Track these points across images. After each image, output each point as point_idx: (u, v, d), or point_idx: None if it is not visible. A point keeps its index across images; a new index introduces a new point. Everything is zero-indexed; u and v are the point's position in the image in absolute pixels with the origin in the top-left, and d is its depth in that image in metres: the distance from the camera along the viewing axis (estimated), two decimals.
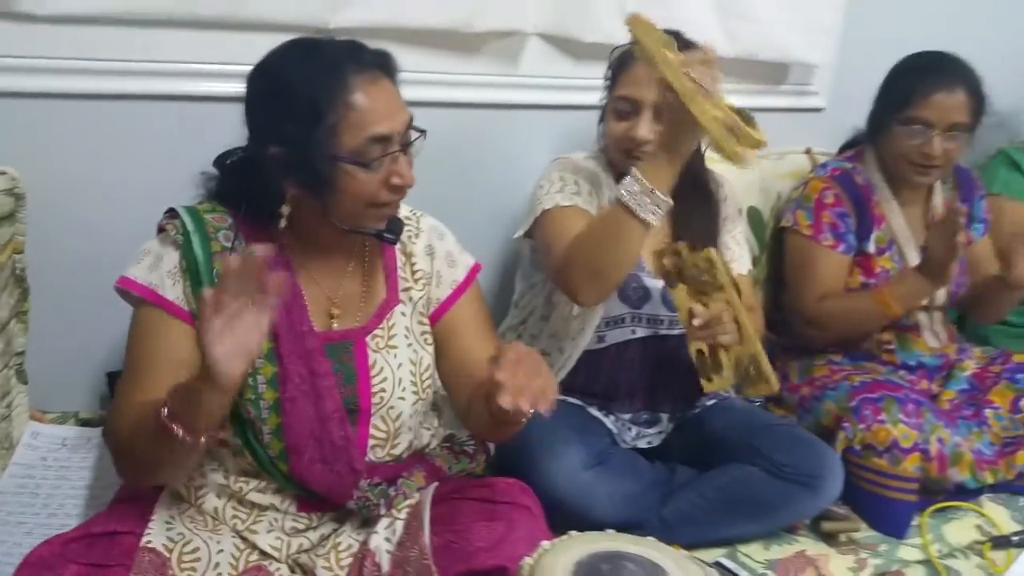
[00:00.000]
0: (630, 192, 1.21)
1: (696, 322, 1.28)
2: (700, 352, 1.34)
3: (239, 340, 0.89)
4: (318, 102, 1.01)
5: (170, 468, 1.05)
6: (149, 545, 1.05)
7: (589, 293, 1.30)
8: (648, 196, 1.20)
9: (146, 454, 1.01)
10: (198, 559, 1.07)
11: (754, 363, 1.30)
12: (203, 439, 0.95)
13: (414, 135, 1.09)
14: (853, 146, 1.82)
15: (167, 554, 1.06)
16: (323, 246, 1.14)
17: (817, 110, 2.05)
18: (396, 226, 1.12)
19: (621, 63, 1.43)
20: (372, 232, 1.10)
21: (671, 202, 1.22)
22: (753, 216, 1.87)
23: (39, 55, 1.32)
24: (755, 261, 1.88)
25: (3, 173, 1.26)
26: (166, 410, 0.93)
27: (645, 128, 1.38)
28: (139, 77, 1.39)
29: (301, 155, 1.02)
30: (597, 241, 1.27)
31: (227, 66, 1.40)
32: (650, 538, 1.00)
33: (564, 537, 0.99)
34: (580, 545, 0.97)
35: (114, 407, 1.10)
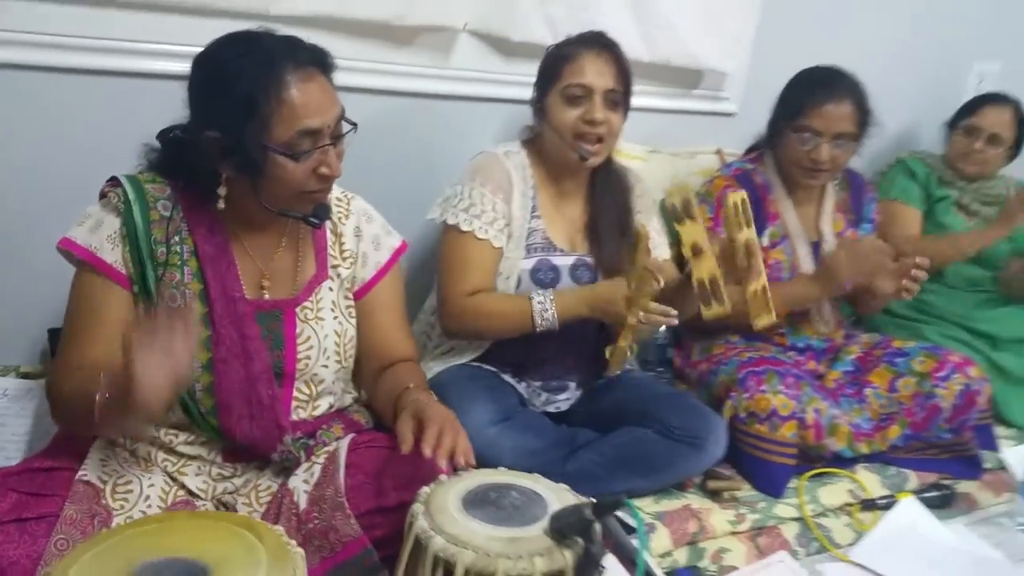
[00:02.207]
0: (539, 307, 1.51)
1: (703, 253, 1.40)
2: (701, 281, 1.42)
3: (165, 374, 0.95)
4: (254, 95, 1.10)
5: (104, 432, 1.17)
6: (84, 478, 1.16)
7: (461, 337, 1.61)
8: (550, 319, 1.51)
9: (82, 419, 1.09)
10: (130, 491, 1.18)
11: (763, 294, 1.46)
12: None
13: (345, 128, 1.19)
14: (756, 149, 2.00)
15: (101, 485, 1.17)
16: (257, 223, 1.25)
17: (729, 115, 2.23)
18: (322, 212, 1.22)
19: (566, 55, 1.57)
20: (299, 216, 1.20)
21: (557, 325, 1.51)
22: (664, 209, 2.03)
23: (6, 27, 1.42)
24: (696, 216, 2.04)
25: None
26: (97, 412, 1.01)
27: (599, 111, 1.53)
28: (90, 53, 1.50)
29: (235, 142, 1.12)
30: (499, 324, 1.54)
31: (171, 46, 1.51)
32: (535, 474, 1.14)
33: (459, 472, 1.13)
34: (472, 478, 1.11)
35: (56, 367, 1.21)
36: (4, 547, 1.04)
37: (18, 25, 1.44)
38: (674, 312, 1.42)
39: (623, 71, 1.57)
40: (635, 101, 2.00)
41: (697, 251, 1.40)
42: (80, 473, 1.17)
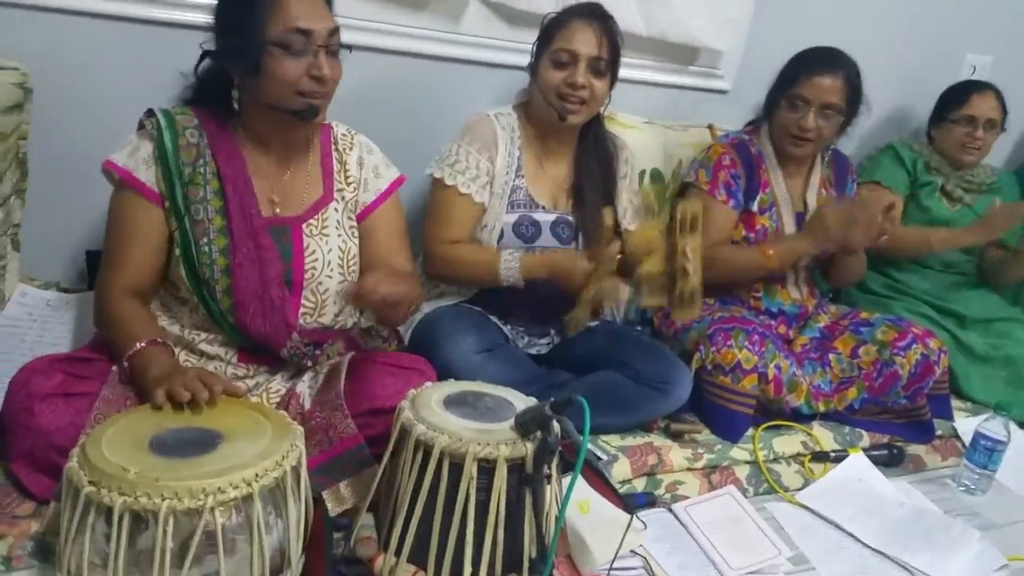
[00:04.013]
0: (505, 263, 1.70)
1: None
2: (643, 275, 1.66)
3: None
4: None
5: None
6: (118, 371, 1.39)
7: (440, 280, 1.82)
8: (514, 275, 1.70)
9: (112, 345, 1.39)
10: None
11: (691, 295, 1.67)
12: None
13: (340, 48, 1.38)
14: (753, 123, 2.20)
15: (124, 381, 1.39)
16: (269, 145, 1.46)
17: (722, 92, 2.42)
18: (310, 111, 1.39)
19: (559, 22, 1.76)
20: (291, 110, 1.38)
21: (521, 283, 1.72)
22: (655, 176, 2.24)
23: None
24: (655, 214, 2.24)
25: (15, 69, 1.57)
26: (126, 363, 1.32)
27: (582, 75, 1.72)
28: (134, 3, 1.70)
29: (239, 42, 1.33)
30: (469, 272, 1.76)
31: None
32: (508, 388, 1.35)
33: (443, 382, 1.35)
34: (453, 386, 1.33)
35: (100, 290, 1.43)
36: (53, 415, 1.28)
37: None
38: (625, 297, 1.63)
39: (611, 42, 1.74)
40: (633, 74, 2.22)
41: (648, 248, 1.63)
42: (114, 366, 1.39)
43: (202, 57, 1.42)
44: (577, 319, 1.72)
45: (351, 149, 1.57)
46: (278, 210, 1.47)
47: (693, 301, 1.67)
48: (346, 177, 1.55)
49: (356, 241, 1.56)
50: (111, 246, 1.43)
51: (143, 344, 1.33)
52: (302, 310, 1.49)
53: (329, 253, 1.50)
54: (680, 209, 1.66)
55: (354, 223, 1.56)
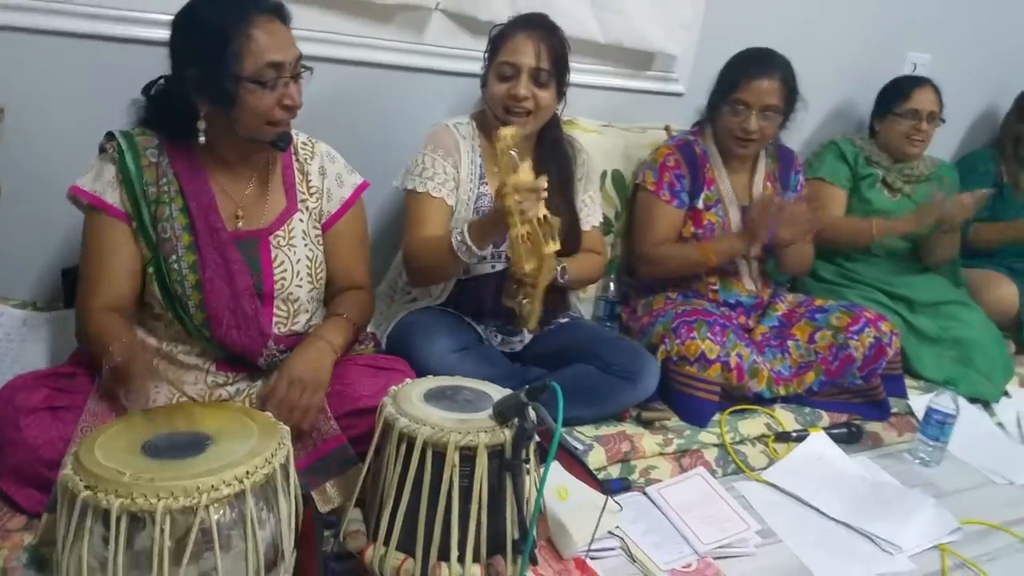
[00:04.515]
0: (457, 243, 1.64)
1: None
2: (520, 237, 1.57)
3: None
4: (226, 32, 1.35)
5: None
6: None
7: (419, 284, 1.86)
8: (467, 247, 1.63)
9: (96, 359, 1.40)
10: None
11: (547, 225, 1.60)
12: None
13: (303, 72, 1.43)
14: (699, 124, 2.29)
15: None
16: (230, 161, 1.50)
17: (677, 95, 2.52)
18: (284, 139, 1.46)
19: (503, 35, 1.83)
20: (266, 141, 1.44)
21: (481, 253, 1.65)
22: (616, 177, 2.33)
23: None
24: (617, 215, 2.34)
25: None
26: (106, 367, 1.29)
27: (523, 87, 1.78)
28: (107, 22, 1.74)
29: (212, 75, 1.36)
30: (430, 261, 1.75)
31: (161, 15, 1.75)
32: (486, 382, 1.41)
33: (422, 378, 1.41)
34: (432, 381, 1.39)
35: (78, 310, 1.46)
36: (39, 429, 1.31)
37: None
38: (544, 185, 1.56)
39: (553, 52, 1.79)
40: (592, 79, 2.31)
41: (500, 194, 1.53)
42: (98, 379, 1.43)
43: (156, 80, 1.45)
44: (533, 310, 1.66)
45: (312, 158, 1.60)
46: (241, 224, 1.50)
47: (531, 315, 1.67)
48: (308, 187, 1.59)
49: (322, 249, 1.60)
50: (87, 267, 1.46)
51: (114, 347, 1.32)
52: (275, 319, 1.53)
53: (297, 263, 1.54)
54: (499, 146, 1.57)
55: (319, 231, 1.60)
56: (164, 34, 1.74)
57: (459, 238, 1.66)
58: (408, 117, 2.10)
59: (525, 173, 1.54)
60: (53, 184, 1.71)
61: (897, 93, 2.59)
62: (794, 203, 2.08)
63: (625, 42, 2.29)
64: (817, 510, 1.77)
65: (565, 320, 2.00)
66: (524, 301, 1.67)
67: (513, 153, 1.54)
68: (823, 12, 2.68)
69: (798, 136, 2.30)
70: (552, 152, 1.92)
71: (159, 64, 1.74)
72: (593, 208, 2.04)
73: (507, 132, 1.55)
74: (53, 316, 1.72)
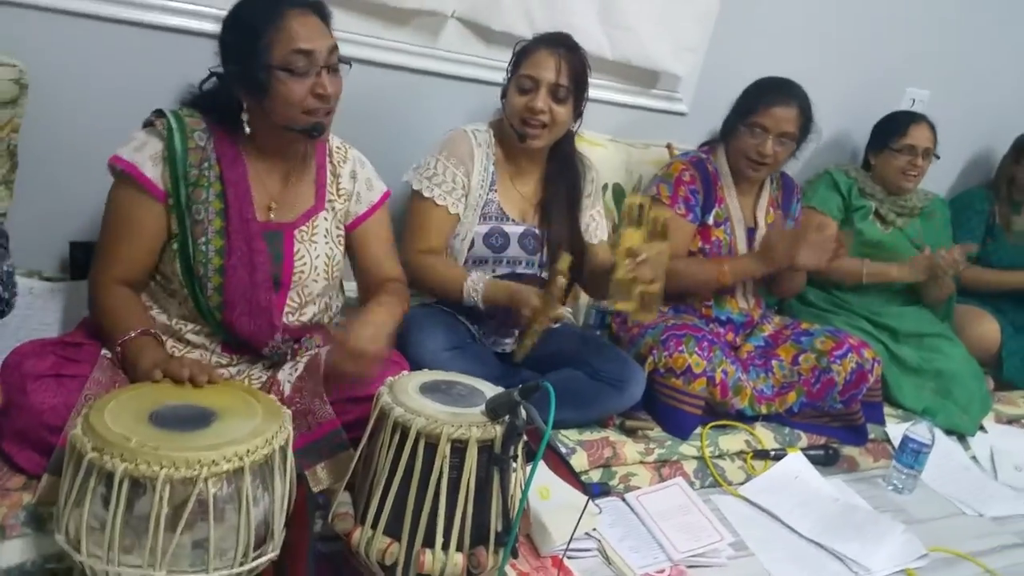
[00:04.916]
0: (470, 285, 1.82)
1: (640, 258, 1.70)
2: (621, 281, 1.72)
3: None
4: (257, 25, 1.43)
5: None
6: (107, 355, 1.47)
7: (412, 288, 1.88)
8: (476, 299, 1.82)
9: (105, 333, 1.47)
10: None
11: (651, 299, 1.77)
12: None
13: (341, 64, 1.50)
14: (708, 144, 2.37)
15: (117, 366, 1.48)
16: (269, 153, 1.56)
17: (680, 114, 2.59)
18: (318, 128, 1.51)
19: (526, 50, 1.91)
20: (300, 129, 1.49)
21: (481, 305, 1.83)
22: (617, 191, 2.40)
23: None
24: (615, 228, 2.40)
25: (13, 65, 1.64)
26: (119, 348, 1.40)
27: (541, 101, 1.85)
28: (131, 7, 1.80)
29: (247, 67, 1.44)
30: (433, 286, 1.88)
31: (201, 7, 1.82)
32: (478, 378, 1.47)
33: (419, 371, 1.47)
34: (428, 375, 1.45)
35: (93, 279, 1.51)
36: (46, 395, 1.35)
37: None
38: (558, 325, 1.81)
39: (573, 69, 1.86)
40: (599, 95, 2.38)
41: (633, 255, 1.70)
42: (104, 351, 1.48)
43: (208, 77, 1.51)
44: (525, 348, 1.83)
45: (345, 162, 1.68)
46: (273, 216, 1.57)
47: (652, 305, 1.80)
48: (338, 189, 1.66)
49: (341, 249, 1.67)
50: (107, 238, 1.51)
51: (135, 333, 1.42)
52: (286, 308, 1.59)
53: (316, 259, 1.61)
54: (654, 214, 1.78)
55: (342, 232, 1.67)
56: (182, 21, 1.83)
57: (473, 296, 1.82)
58: (418, 120, 2.16)
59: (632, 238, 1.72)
60: (68, 158, 1.78)
61: (893, 128, 2.65)
62: (813, 231, 2.15)
63: (633, 60, 2.36)
64: (790, 527, 1.84)
65: (557, 326, 2.06)
66: (526, 339, 1.82)
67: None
68: (826, 43, 2.75)
69: (794, 164, 2.37)
70: (563, 167, 1.99)
71: (176, 49, 1.82)
72: (601, 222, 2.12)
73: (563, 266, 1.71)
74: (60, 287, 1.77)
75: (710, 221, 2.25)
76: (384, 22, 2.06)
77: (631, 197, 1.78)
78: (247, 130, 1.50)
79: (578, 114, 1.94)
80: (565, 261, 1.71)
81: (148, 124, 1.52)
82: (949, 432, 2.42)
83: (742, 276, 2.22)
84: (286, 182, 1.60)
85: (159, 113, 1.51)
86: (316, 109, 1.49)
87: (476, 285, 1.83)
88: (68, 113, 1.78)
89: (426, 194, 1.88)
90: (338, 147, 1.68)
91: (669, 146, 2.49)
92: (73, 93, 1.78)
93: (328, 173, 1.65)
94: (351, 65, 1.53)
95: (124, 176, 1.49)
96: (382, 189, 1.73)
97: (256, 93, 1.46)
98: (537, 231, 1.98)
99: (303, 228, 1.60)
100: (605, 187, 2.35)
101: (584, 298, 2.34)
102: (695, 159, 2.28)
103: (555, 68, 1.84)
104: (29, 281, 1.76)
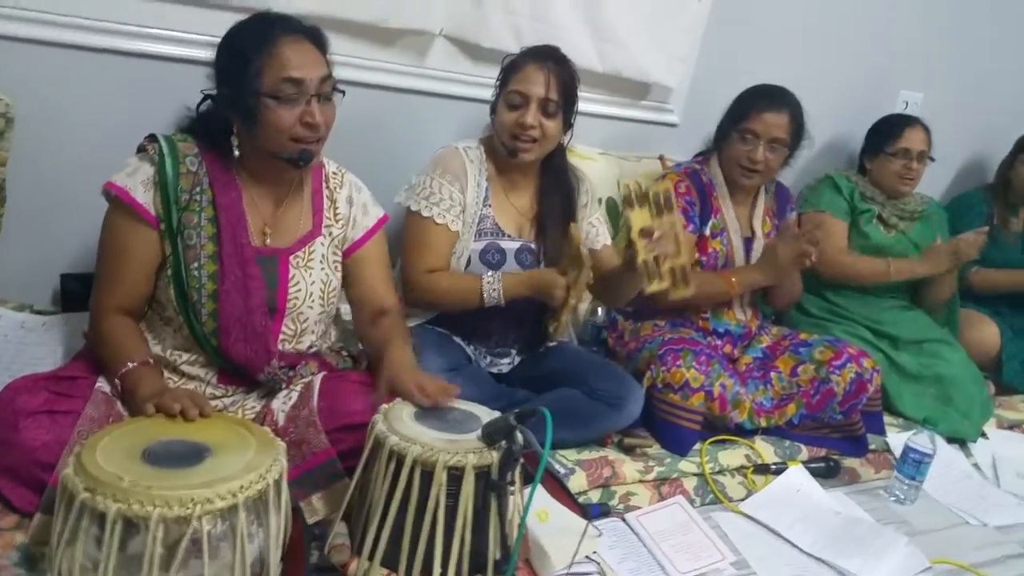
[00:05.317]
0: (488, 286, 1.82)
1: (655, 235, 1.73)
2: (645, 262, 1.74)
3: None
4: (247, 51, 1.44)
5: None
6: (101, 389, 1.47)
7: (421, 307, 1.93)
8: (497, 297, 1.82)
9: (104, 362, 1.48)
10: None
11: (683, 272, 1.79)
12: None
13: (335, 93, 1.50)
14: (702, 154, 2.37)
15: (114, 397, 1.48)
16: (262, 178, 1.57)
17: (672, 125, 2.60)
18: (304, 157, 1.50)
19: (514, 65, 1.91)
20: (286, 156, 1.49)
21: (503, 302, 1.83)
22: (610, 205, 2.40)
23: (40, 8, 1.72)
24: (620, 215, 2.40)
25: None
26: (118, 381, 1.41)
27: (532, 116, 1.86)
28: (116, 36, 1.80)
29: (237, 92, 1.44)
30: (451, 299, 1.87)
31: (187, 35, 1.83)
32: (475, 403, 1.47)
33: None
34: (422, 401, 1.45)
35: (93, 306, 1.52)
36: (37, 431, 1.35)
37: (61, 8, 1.75)
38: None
39: (562, 83, 1.87)
40: (590, 108, 2.39)
41: (647, 233, 1.72)
42: (98, 384, 1.48)
43: (204, 99, 1.52)
44: (563, 324, 1.88)
45: (341, 187, 1.68)
46: (268, 241, 1.57)
47: (686, 277, 1.79)
48: (335, 214, 1.66)
49: (338, 275, 1.67)
50: (104, 265, 1.52)
51: (134, 364, 1.42)
52: (281, 336, 1.59)
53: (312, 285, 1.61)
54: (654, 190, 1.79)
55: (338, 258, 1.67)
56: (172, 49, 1.83)
57: (493, 296, 1.82)
58: (408, 140, 2.17)
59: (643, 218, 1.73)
60: (57, 191, 1.78)
61: (888, 132, 2.67)
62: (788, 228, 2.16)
63: (623, 72, 2.37)
64: (792, 543, 1.84)
65: (553, 344, 2.07)
66: (562, 314, 1.84)
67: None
68: (817, 48, 2.77)
69: (790, 170, 2.38)
70: (556, 179, 2.00)
71: (163, 76, 1.82)
72: (601, 228, 2.12)
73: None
74: (51, 320, 1.77)
75: (707, 232, 2.25)
76: (371, 42, 2.07)
77: (626, 185, 1.78)
78: (236, 153, 1.51)
79: (568, 126, 1.95)
80: (575, 228, 1.77)
81: (141, 149, 1.53)
82: (950, 440, 2.41)
83: (749, 286, 2.23)
84: (281, 207, 1.61)
85: (152, 138, 1.52)
86: (304, 137, 1.49)
87: (494, 284, 1.84)
88: (55, 145, 1.79)
89: (425, 213, 1.88)
90: (334, 172, 1.69)
91: (661, 158, 2.50)
92: (59, 125, 1.79)
93: (324, 198, 1.66)
94: (344, 93, 1.53)
95: (117, 202, 1.49)
96: (378, 214, 1.73)
97: (245, 118, 1.47)
98: (533, 246, 1.98)
99: (299, 254, 1.61)
100: (600, 201, 2.35)
101: (579, 313, 2.34)
102: (689, 170, 2.29)
103: (544, 83, 1.85)
104: (21, 315, 1.77)
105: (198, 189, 1.50)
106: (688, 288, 1.81)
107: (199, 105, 1.54)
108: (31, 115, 1.73)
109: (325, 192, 1.66)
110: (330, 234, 1.65)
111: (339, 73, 2.02)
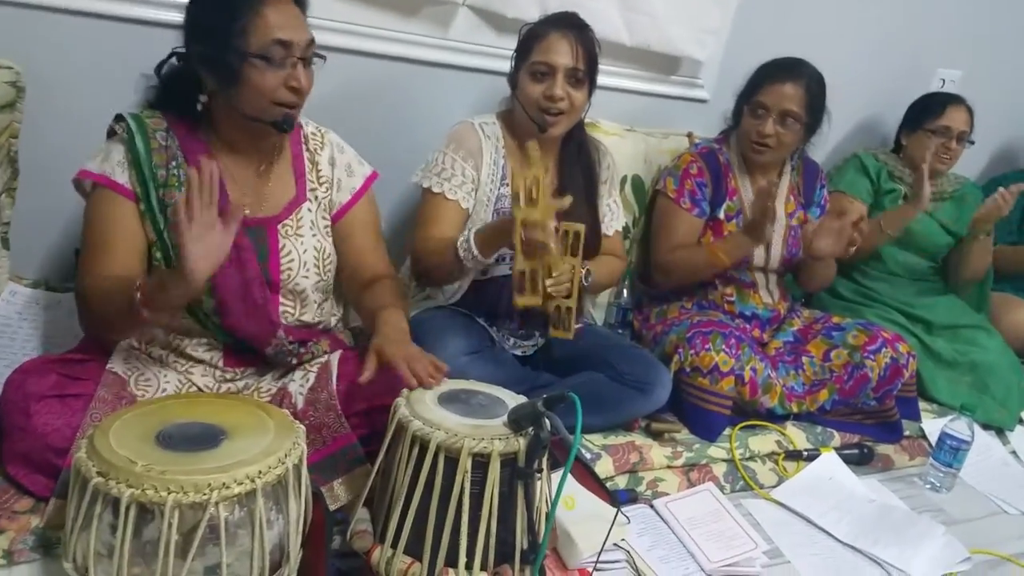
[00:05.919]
0: (463, 250, 1.67)
1: (556, 274, 1.65)
2: (522, 272, 1.63)
3: (211, 247, 1.23)
4: (235, 8, 1.36)
5: (130, 332, 1.44)
6: (112, 369, 1.44)
7: (426, 285, 1.88)
8: (473, 255, 1.66)
9: (113, 323, 1.38)
10: (150, 383, 1.46)
11: (568, 314, 1.73)
12: (164, 320, 1.33)
13: (316, 59, 1.43)
14: (725, 132, 2.29)
15: (126, 377, 1.44)
16: (238, 146, 1.49)
17: (702, 101, 2.51)
18: (288, 121, 1.43)
19: (535, 34, 1.82)
20: (269, 121, 1.42)
21: (485, 261, 1.69)
22: (636, 183, 2.33)
23: None
24: (635, 221, 2.34)
25: (9, 67, 1.60)
26: (139, 295, 1.26)
27: (559, 88, 1.78)
28: (130, 3, 1.74)
29: (218, 51, 1.36)
30: (435, 263, 1.77)
31: None
32: (498, 386, 1.42)
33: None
34: (447, 384, 1.40)
35: (80, 280, 1.43)
36: (48, 416, 1.32)
37: None
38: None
39: (587, 51, 1.79)
40: (616, 82, 2.31)
41: (528, 225, 1.55)
42: (108, 365, 1.44)
43: (168, 57, 1.45)
44: (565, 326, 1.75)
45: (322, 148, 1.60)
46: (248, 212, 1.49)
47: (569, 324, 1.74)
48: (318, 177, 1.59)
49: (331, 240, 1.60)
50: (89, 242, 1.43)
51: (140, 281, 1.30)
52: (282, 309, 1.54)
53: (304, 253, 1.55)
54: (563, 229, 1.69)
55: (328, 222, 1.60)
56: (177, 16, 1.76)
57: (464, 245, 1.67)
58: (430, 113, 2.10)
59: (543, 209, 1.55)
60: (70, 164, 1.71)
61: (930, 109, 2.56)
62: (831, 218, 2.06)
63: (652, 45, 2.29)
64: (825, 531, 1.78)
65: (579, 326, 2.00)
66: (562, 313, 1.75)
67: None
68: (854, 24, 2.67)
69: (821, 149, 2.30)
70: (578, 155, 1.93)
71: (173, 43, 1.75)
72: (616, 212, 2.04)
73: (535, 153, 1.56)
74: (67, 297, 1.73)
75: (721, 215, 2.17)
76: (394, 13, 2.00)
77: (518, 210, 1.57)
78: (199, 107, 1.42)
79: (590, 95, 1.87)
80: (534, 148, 1.56)
81: (111, 133, 1.47)
82: (986, 427, 2.34)
83: (738, 253, 2.07)
84: (261, 176, 1.53)
85: (118, 118, 1.46)
86: (287, 101, 1.42)
87: (467, 241, 1.68)
88: (67, 118, 1.74)
89: (436, 190, 1.82)
90: (313, 133, 1.61)
91: (690, 135, 2.42)
92: (71, 95, 1.74)
93: (306, 161, 1.58)
94: (325, 59, 1.46)
95: (97, 188, 1.43)
96: (365, 173, 1.65)
97: (225, 79, 1.39)
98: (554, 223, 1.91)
99: (287, 222, 1.54)
100: (624, 179, 2.28)
101: (604, 296, 2.28)
102: (706, 150, 2.21)
103: (570, 52, 1.77)
104: (35, 291, 1.72)
105: (174, 163, 1.44)
106: (567, 334, 1.76)
107: (161, 66, 1.46)
108: (41, 85, 1.67)
109: (306, 155, 1.58)
110: (316, 198, 1.58)
111: (360, 44, 1.97)
